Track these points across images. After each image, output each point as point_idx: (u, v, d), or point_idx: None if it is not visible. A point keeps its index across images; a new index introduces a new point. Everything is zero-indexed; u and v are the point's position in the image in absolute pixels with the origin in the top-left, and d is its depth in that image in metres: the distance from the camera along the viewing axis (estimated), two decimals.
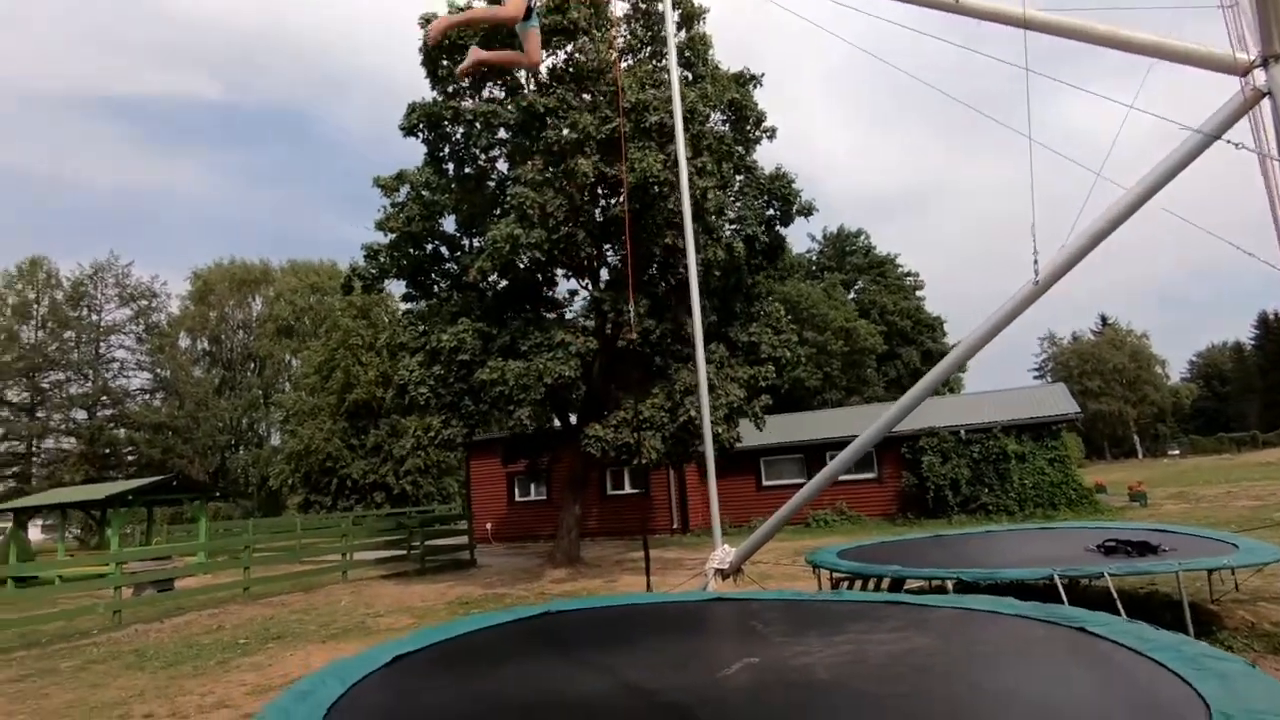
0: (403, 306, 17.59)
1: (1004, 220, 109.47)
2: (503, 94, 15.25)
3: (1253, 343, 74.22)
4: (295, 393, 44.12)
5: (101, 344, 49.29)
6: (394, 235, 15.58)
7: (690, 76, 14.75)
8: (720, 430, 13.32)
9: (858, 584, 9.51)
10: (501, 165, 15.82)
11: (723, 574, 7.63)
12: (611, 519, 23.77)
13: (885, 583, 9.17)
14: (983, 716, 3.11)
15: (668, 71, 15.42)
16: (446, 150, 15.61)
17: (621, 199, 14.17)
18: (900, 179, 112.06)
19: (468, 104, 14.50)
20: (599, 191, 14.36)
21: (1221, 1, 5.62)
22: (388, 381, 37.04)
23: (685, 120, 10.94)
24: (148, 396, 50.67)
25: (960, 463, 20.26)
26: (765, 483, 23.51)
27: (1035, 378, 69.08)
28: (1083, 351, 68.87)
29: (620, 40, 14.12)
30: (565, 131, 12.94)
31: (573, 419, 16.13)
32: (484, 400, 13.65)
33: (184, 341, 57.00)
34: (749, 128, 15.61)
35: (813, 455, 23.19)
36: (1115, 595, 6.06)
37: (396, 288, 17.48)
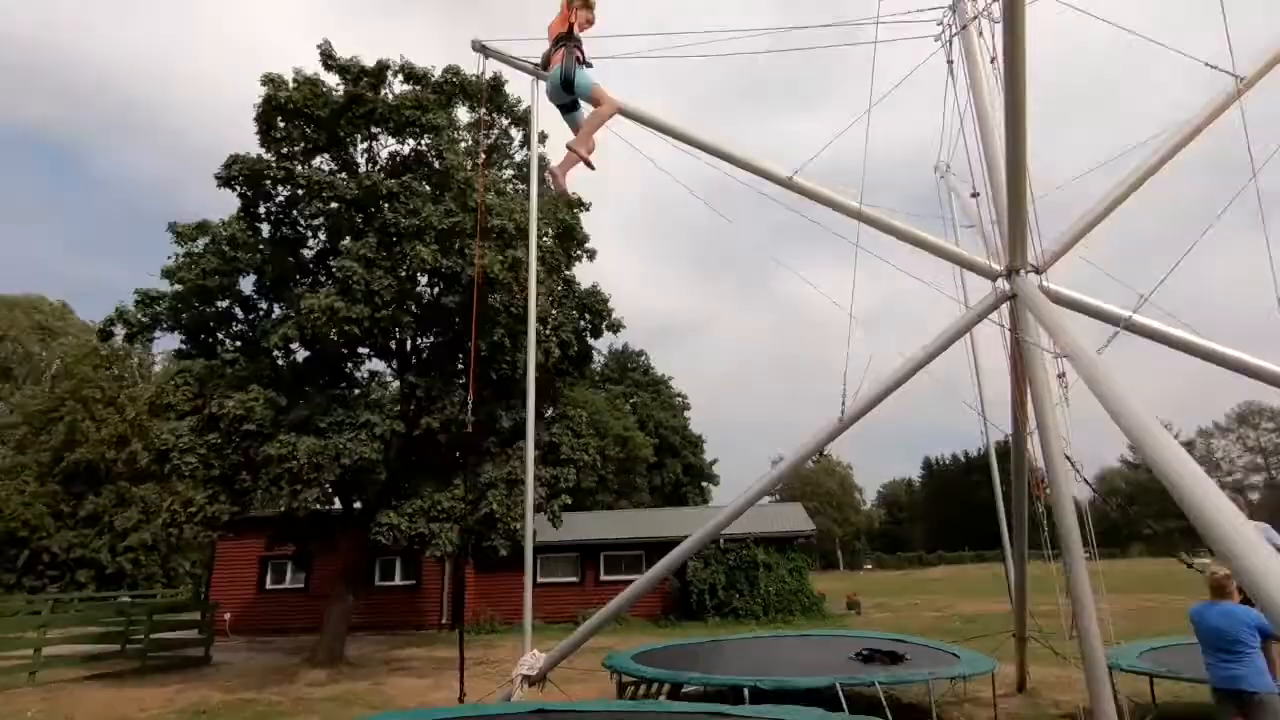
0: (157, 365, 14.84)
1: (750, 360, 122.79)
2: (338, 166, 14.26)
3: (920, 480, 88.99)
4: None
5: None
6: (182, 286, 13.44)
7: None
8: (519, 526, 12.66)
9: (641, 688, 9.26)
10: (321, 235, 14.57)
11: (529, 680, 6.97)
12: (377, 612, 21.13)
13: (665, 688, 9.00)
14: None
15: (510, 182, 15.64)
16: (263, 209, 14.05)
17: (447, 290, 13.63)
18: (670, 312, 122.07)
19: (300, 168, 13.29)
20: (429, 280, 13.72)
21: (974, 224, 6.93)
22: (124, 442, 30.79)
23: (525, 231, 10.94)
24: None
25: (719, 569, 21.15)
26: (540, 580, 22.60)
27: (768, 496, 75.88)
28: (805, 476, 77.31)
29: (470, 145, 14.01)
30: (405, 218, 12.31)
31: (356, 504, 14.43)
32: (264, 476, 11.76)
33: None
34: (573, 246, 16.05)
35: (587, 554, 22.91)
36: (884, 703, 6.46)
37: (166, 342, 14.90)
